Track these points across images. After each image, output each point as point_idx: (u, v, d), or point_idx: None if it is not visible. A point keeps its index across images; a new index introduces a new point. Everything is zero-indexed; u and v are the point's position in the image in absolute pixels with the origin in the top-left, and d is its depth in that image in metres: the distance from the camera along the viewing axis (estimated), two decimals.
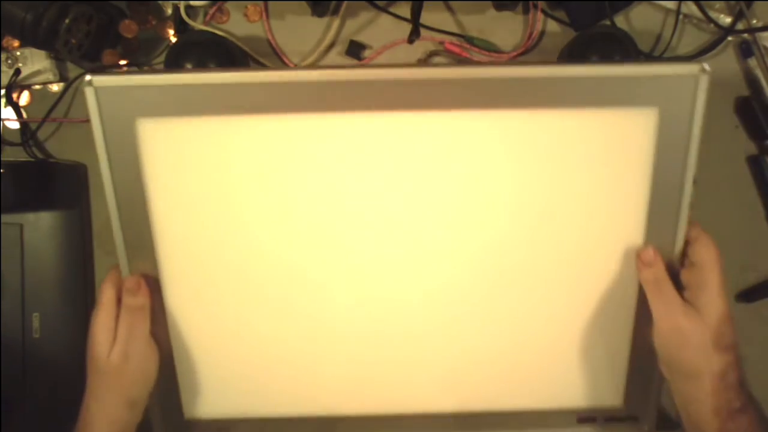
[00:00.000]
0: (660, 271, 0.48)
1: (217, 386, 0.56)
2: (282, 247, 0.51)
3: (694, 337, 0.46)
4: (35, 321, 0.57)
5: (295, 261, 0.51)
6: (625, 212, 0.50)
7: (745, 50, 0.58)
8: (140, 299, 0.50)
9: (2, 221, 0.56)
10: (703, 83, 0.46)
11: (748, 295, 0.60)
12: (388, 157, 0.48)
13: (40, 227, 0.57)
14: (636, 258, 0.50)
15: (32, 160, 0.60)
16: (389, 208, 0.50)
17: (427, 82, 0.46)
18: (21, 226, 0.56)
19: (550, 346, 0.54)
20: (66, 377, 0.53)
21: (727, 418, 0.46)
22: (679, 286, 0.48)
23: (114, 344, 0.49)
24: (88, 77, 0.46)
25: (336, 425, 0.57)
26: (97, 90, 0.46)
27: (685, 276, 0.49)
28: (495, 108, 0.47)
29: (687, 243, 0.50)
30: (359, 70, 0.49)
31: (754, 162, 0.59)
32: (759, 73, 0.58)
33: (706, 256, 0.47)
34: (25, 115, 0.60)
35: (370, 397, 0.56)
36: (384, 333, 0.54)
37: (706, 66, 0.46)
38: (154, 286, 0.51)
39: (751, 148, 0.59)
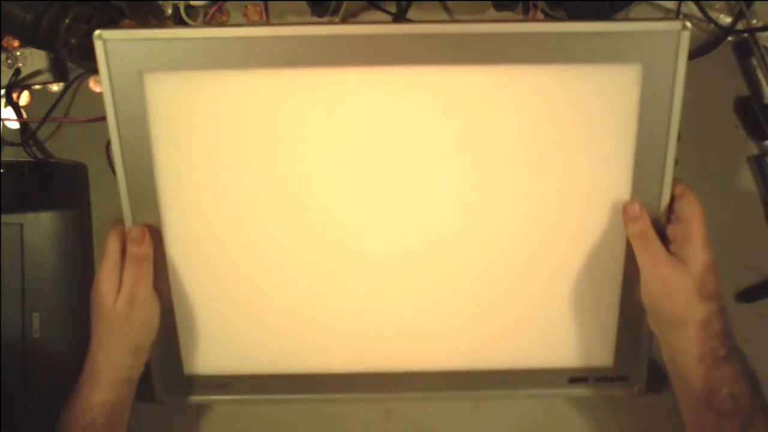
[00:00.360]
0: (646, 225, 0.49)
1: (217, 342, 0.56)
2: (283, 201, 0.52)
3: (678, 286, 0.48)
4: (35, 321, 0.57)
5: (296, 216, 0.52)
6: (612, 168, 0.50)
7: (745, 50, 0.58)
8: (144, 248, 0.51)
9: (2, 221, 0.56)
10: (685, 39, 0.47)
11: (748, 295, 0.60)
12: (385, 110, 0.50)
13: (40, 227, 0.57)
14: (622, 213, 0.51)
15: (32, 160, 0.60)
16: (385, 162, 0.51)
17: (417, 38, 0.47)
18: (21, 226, 0.56)
19: (539, 305, 0.55)
20: (66, 377, 0.53)
21: (712, 366, 0.47)
22: (665, 241, 0.49)
23: (119, 292, 0.50)
24: (98, 31, 0.47)
25: (334, 382, 0.57)
26: (105, 43, 0.47)
27: (671, 230, 0.50)
28: (483, 63, 0.48)
29: (673, 199, 0.51)
30: (359, 26, 0.50)
31: (754, 162, 0.59)
32: (759, 73, 0.58)
33: (692, 212, 0.48)
34: (25, 115, 0.60)
35: (363, 356, 0.57)
36: (380, 293, 0.55)
37: (688, 23, 0.46)
38: (156, 238, 0.52)
39: (751, 148, 0.59)
